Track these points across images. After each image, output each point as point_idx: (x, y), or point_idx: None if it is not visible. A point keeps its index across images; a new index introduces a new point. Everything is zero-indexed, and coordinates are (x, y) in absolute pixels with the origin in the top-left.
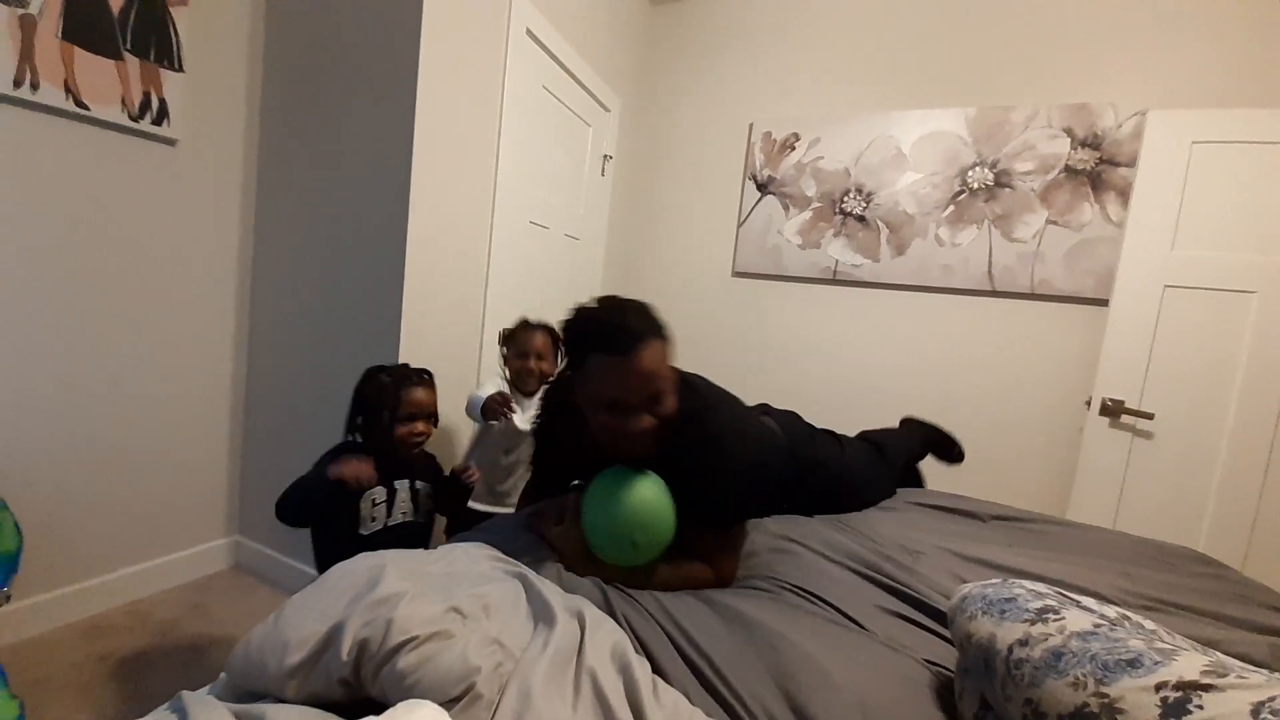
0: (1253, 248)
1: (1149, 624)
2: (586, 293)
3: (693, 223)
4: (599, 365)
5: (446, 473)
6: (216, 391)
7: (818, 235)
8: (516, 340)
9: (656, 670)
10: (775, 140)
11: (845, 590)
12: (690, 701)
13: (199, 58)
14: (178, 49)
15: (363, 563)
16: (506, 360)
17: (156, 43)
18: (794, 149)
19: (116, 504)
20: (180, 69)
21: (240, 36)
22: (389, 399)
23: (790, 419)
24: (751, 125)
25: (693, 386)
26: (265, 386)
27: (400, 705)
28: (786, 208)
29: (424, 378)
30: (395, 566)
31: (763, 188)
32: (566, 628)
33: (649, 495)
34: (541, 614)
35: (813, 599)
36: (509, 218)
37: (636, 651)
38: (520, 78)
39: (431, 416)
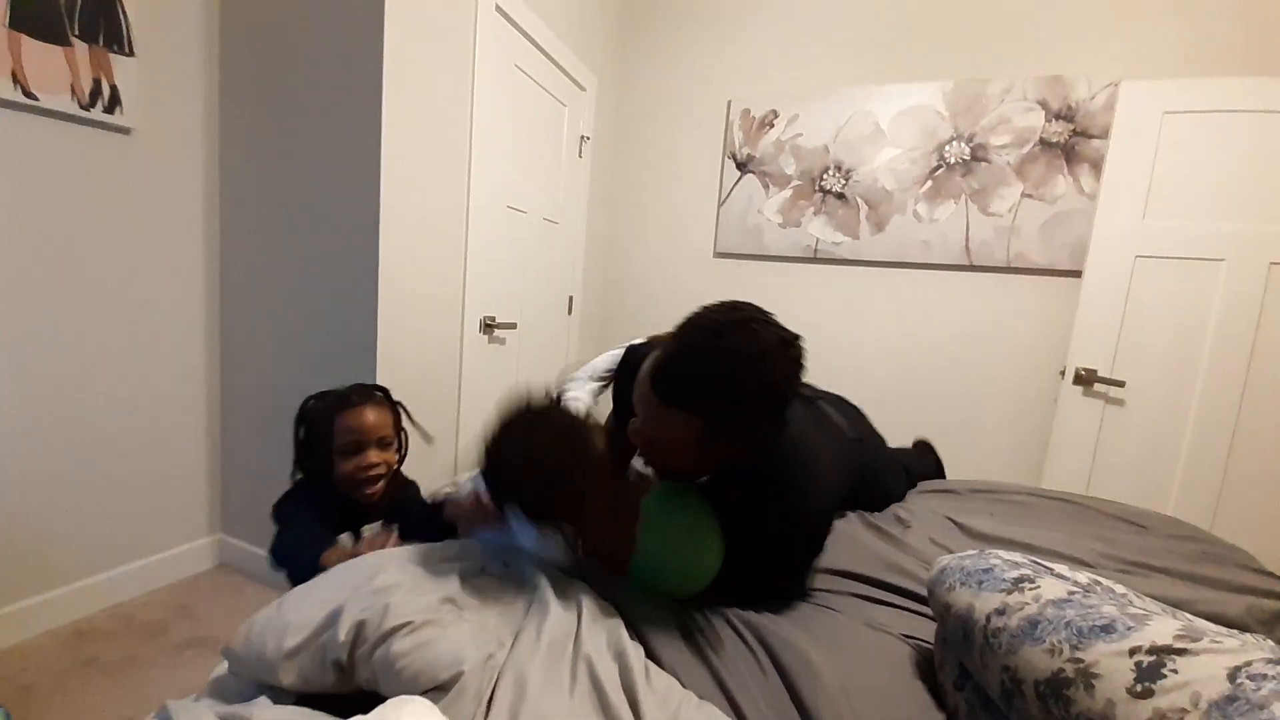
0: (1221, 216)
1: (1119, 588)
2: (568, 278)
3: (673, 204)
4: None
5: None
6: (190, 388)
7: (798, 214)
8: (338, 427)
9: (651, 656)
10: (754, 118)
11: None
12: (683, 685)
13: (151, 40)
14: (127, 31)
15: (364, 559)
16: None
17: (105, 25)
18: (773, 126)
19: (94, 506)
20: (131, 53)
21: (194, 16)
22: (323, 431)
23: (875, 447)
24: (730, 103)
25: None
26: (241, 382)
27: (389, 703)
28: (766, 186)
29: (371, 396)
30: (396, 560)
31: (742, 167)
32: (562, 618)
33: (709, 563)
34: (538, 604)
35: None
36: (485, 203)
37: (632, 639)
38: (491, 56)
39: (388, 442)
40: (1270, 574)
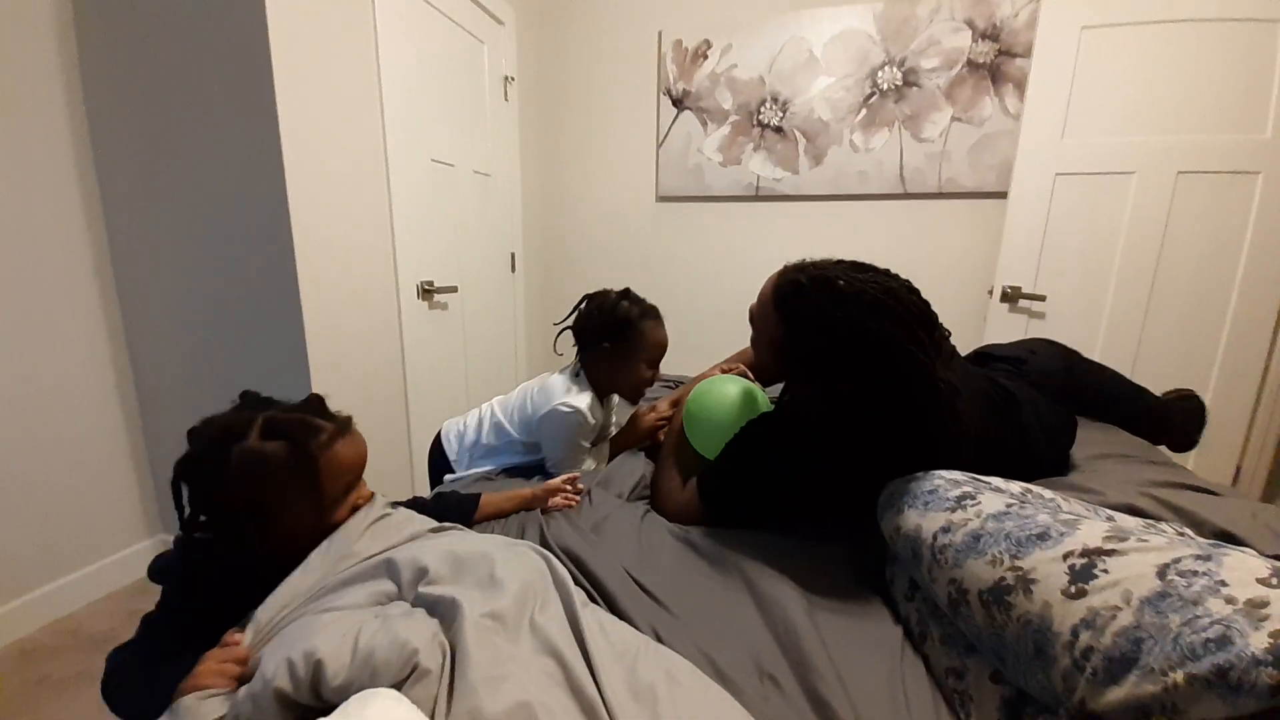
0: (1133, 130)
1: (1048, 493)
2: (507, 235)
3: (610, 148)
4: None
5: None
6: (97, 387)
7: (738, 151)
8: (638, 337)
9: (607, 601)
10: (687, 49)
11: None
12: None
13: None
14: None
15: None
16: (610, 365)
17: None
18: (706, 58)
19: (20, 520)
20: None
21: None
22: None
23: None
24: (660, 33)
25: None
26: (155, 374)
27: (354, 698)
28: (704, 123)
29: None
30: (320, 558)
31: (678, 103)
32: (519, 590)
33: (734, 395)
34: (488, 579)
35: None
36: (406, 157)
37: (586, 588)
38: None
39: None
40: (1174, 465)
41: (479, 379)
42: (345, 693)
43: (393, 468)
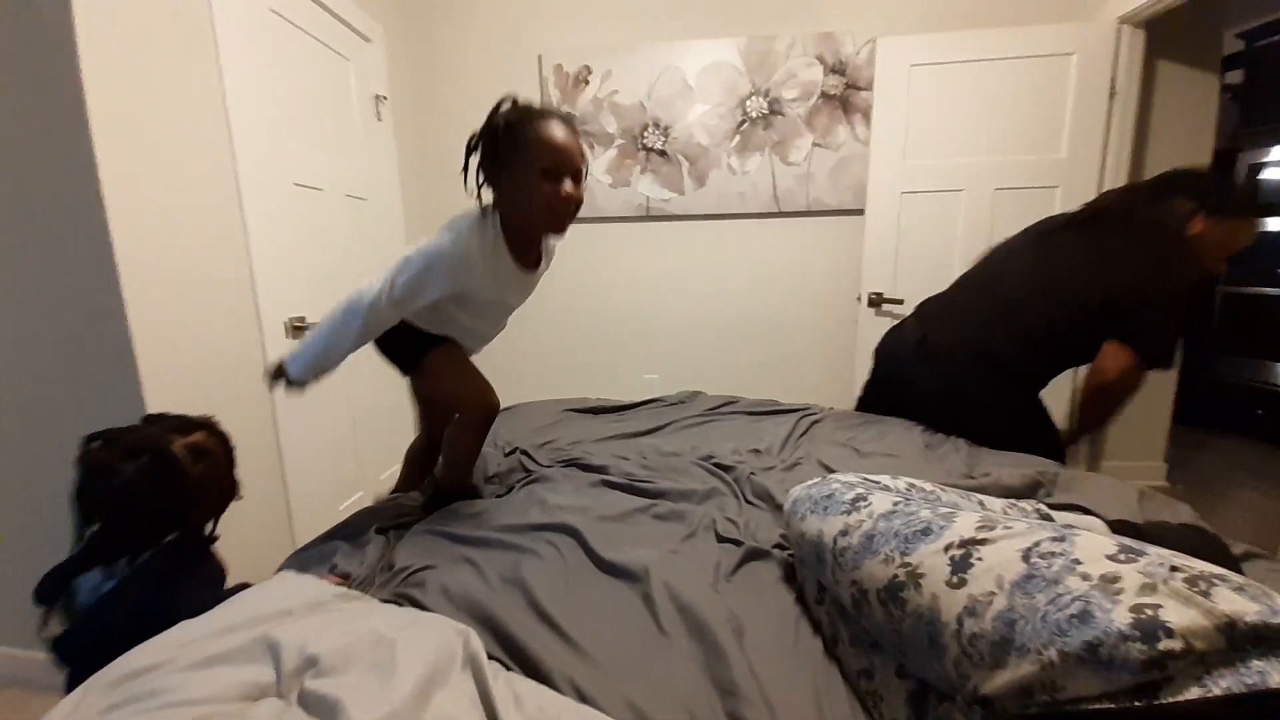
0: (959, 153)
1: (928, 485)
2: (389, 260)
3: None
4: None
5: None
6: None
7: (626, 173)
8: (523, 144)
9: (534, 671)
10: (568, 74)
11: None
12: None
13: None
14: None
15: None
16: (509, 190)
17: None
18: (588, 83)
19: None
20: None
21: None
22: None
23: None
24: (540, 57)
25: None
26: None
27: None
28: (592, 146)
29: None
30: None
31: None
32: (421, 674)
33: None
34: (387, 665)
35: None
36: (262, 180)
37: (507, 666)
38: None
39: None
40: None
41: (368, 415)
42: None
43: (270, 518)
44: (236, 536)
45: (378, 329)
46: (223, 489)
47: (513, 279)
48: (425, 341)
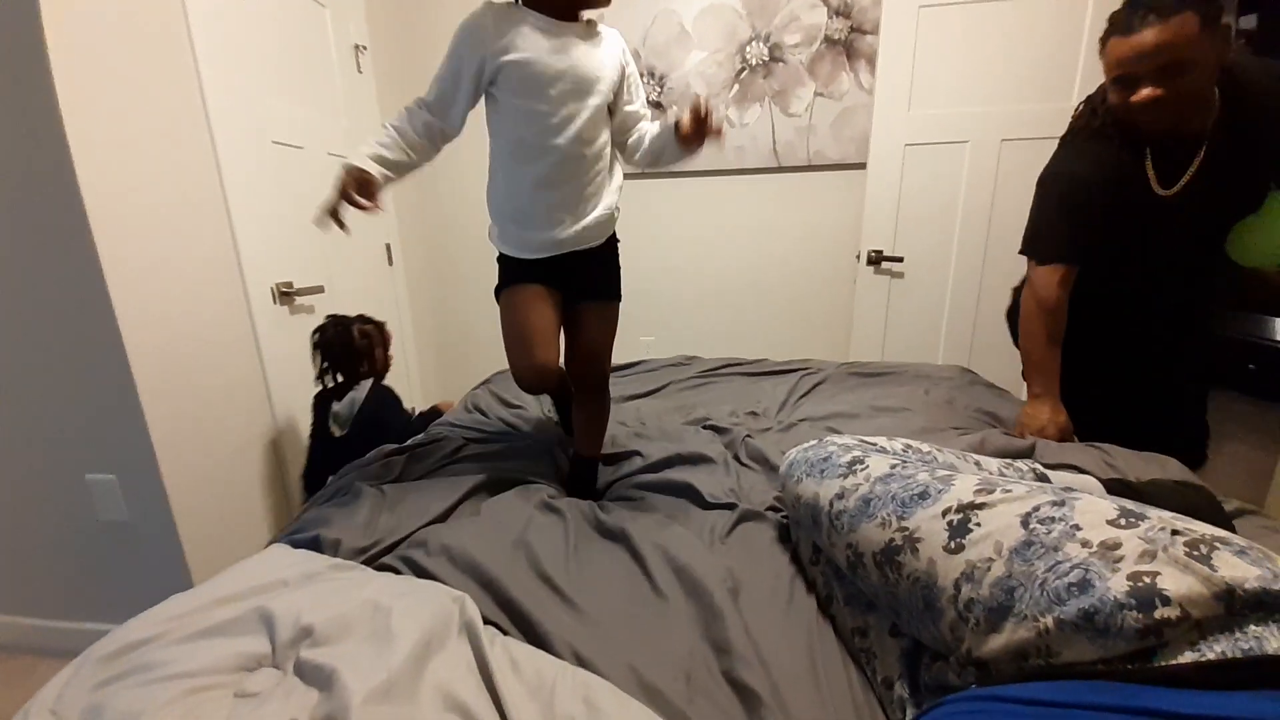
0: (965, 102)
1: (925, 447)
2: (380, 224)
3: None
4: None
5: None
6: None
7: None
8: None
9: (534, 635)
10: None
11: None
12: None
13: None
14: None
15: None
16: None
17: None
18: None
19: None
20: None
21: None
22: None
23: None
24: None
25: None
26: None
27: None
28: None
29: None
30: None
31: None
32: (416, 641)
33: None
34: (383, 632)
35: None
36: (239, 139)
37: (504, 631)
38: None
39: None
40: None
41: None
42: None
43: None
44: (234, 506)
45: (436, 134)
46: (385, 348)
47: (550, 34)
48: (502, 277)
